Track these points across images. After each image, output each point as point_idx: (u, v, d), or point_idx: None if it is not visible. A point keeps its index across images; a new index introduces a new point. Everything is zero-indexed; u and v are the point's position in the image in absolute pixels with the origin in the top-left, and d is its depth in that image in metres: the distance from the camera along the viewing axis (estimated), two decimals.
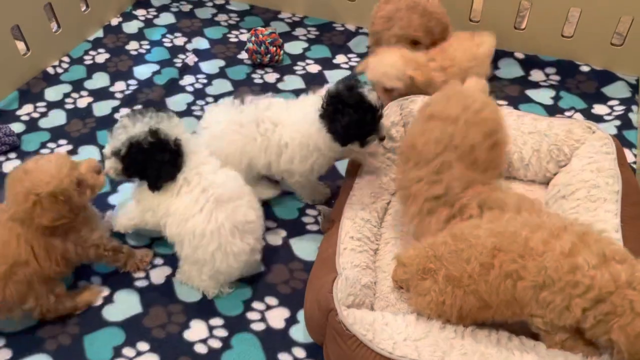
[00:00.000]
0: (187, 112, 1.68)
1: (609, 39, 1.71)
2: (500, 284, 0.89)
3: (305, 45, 1.92)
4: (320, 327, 1.01)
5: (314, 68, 1.83)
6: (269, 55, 1.80)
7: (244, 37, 1.97)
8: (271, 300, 1.21)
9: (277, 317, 1.18)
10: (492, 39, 1.59)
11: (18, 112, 1.68)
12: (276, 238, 1.33)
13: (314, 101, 1.22)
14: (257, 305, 1.20)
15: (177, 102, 1.72)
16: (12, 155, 1.55)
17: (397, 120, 1.35)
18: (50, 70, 1.82)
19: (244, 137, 1.25)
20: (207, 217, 1.10)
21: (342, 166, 1.47)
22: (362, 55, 1.87)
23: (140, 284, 1.24)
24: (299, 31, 1.99)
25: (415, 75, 1.43)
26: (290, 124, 1.23)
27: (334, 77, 1.79)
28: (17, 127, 1.62)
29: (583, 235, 0.88)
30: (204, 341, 1.14)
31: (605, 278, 0.83)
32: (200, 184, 1.12)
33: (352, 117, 1.15)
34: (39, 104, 1.71)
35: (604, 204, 1.12)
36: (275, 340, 1.14)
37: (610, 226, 1.07)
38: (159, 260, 1.29)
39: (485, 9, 1.79)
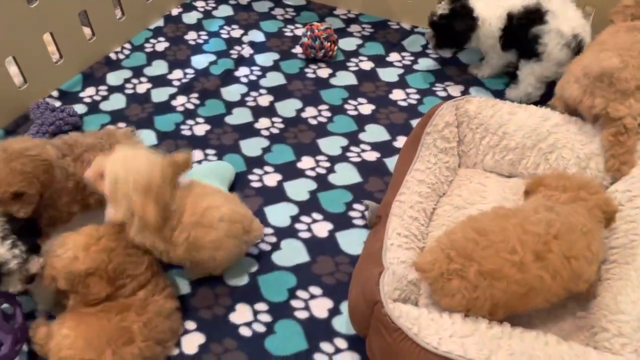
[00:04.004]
0: (240, 103, 1.72)
1: None
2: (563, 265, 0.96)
3: (359, 42, 1.93)
4: (365, 319, 1.02)
5: (367, 65, 1.84)
6: (323, 51, 1.82)
7: (299, 31, 1.99)
8: (315, 290, 1.22)
9: (321, 307, 1.19)
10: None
11: (81, 94, 1.75)
12: (322, 230, 1.35)
13: None
14: (301, 294, 1.22)
15: (231, 92, 1.76)
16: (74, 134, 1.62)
17: (451, 120, 1.34)
18: (113, 56, 1.90)
19: None
20: None
21: (392, 165, 1.47)
22: (416, 54, 1.87)
23: None
24: (354, 28, 2.00)
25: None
26: None
27: (386, 75, 1.79)
28: (79, 109, 1.69)
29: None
30: (248, 324, 1.17)
31: None
32: None
33: None
34: (100, 88, 1.78)
35: None
36: (318, 329, 1.15)
37: None
38: None
39: None
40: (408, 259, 1.13)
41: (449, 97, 1.69)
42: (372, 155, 1.53)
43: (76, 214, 1.20)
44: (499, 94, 1.69)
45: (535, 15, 1.52)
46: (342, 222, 1.36)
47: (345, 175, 1.48)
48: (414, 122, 1.61)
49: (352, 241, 1.32)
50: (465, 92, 1.71)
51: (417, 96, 1.71)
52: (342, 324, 1.16)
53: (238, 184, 1.46)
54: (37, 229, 1.10)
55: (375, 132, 1.60)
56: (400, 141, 1.56)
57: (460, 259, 0.97)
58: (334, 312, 1.18)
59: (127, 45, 1.94)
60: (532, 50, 1.54)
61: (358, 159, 1.52)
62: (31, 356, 1.12)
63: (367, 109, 1.68)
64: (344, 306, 1.19)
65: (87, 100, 1.74)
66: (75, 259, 1.05)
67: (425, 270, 1.00)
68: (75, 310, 1.08)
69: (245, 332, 1.16)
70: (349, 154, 1.54)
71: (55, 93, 1.74)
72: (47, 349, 1.06)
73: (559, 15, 1.50)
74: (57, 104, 1.69)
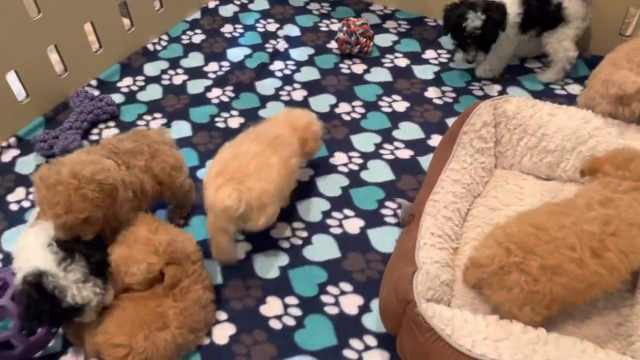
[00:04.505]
0: (274, 97, 1.72)
1: None
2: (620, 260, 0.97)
3: (395, 38, 1.92)
4: (397, 317, 1.01)
5: (402, 62, 1.82)
6: (358, 46, 1.81)
7: (334, 26, 1.99)
8: (346, 286, 1.22)
9: (351, 303, 1.19)
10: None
11: (119, 84, 1.78)
12: (354, 227, 1.35)
13: None
14: (331, 289, 1.22)
15: (265, 86, 1.77)
16: (112, 123, 1.65)
17: (489, 120, 1.32)
18: (150, 47, 1.92)
19: None
20: None
21: (426, 163, 1.46)
22: (452, 52, 1.84)
23: None
24: (390, 24, 1.98)
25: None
26: None
27: (422, 72, 1.78)
28: (117, 98, 1.72)
29: None
30: (278, 317, 1.17)
31: None
32: None
33: None
34: (138, 78, 1.81)
35: None
36: (347, 326, 1.15)
37: None
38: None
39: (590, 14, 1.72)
40: (441, 259, 1.12)
41: (486, 97, 1.67)
42: (405, 153, 1.52)
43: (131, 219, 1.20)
44: (538, 95, 1.66)
45: None
46: (373, 219, 1.36)
47: (378, 172, 1.47)
48: (449, 121, 1.59)
49: (383, 239, 1.31)
50: (502, 92, 1.69)
51: (452, 94, 1.69)
52: (372, 321, 1.16)
53: None
54: (106, 260, 1.11)
55: (409, 130, 1.58)
56: (435, 140, 1.54)
57: (520, 252, 0.98)
58: (364, 309, 1.18)
59: (165, 37, 1.96)
60: (558, 18, 1.60)
61: (391, 157, 1.51)
62: (65, 340, 1.14)
63: (401, 106, 1.66)
64: (374, 304, 1.18)
65: (125, 90, 1.76)
66: (152, 265, 1.08)
67: (483, 265, 1.01)
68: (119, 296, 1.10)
69: (275, 324, 1.16)
70: (382, 151, 1.53)
71: (94, 82, 1.77)
72: (82, 335, 1.09)
73: None
74: (96, 92, 1.72)
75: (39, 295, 1.01)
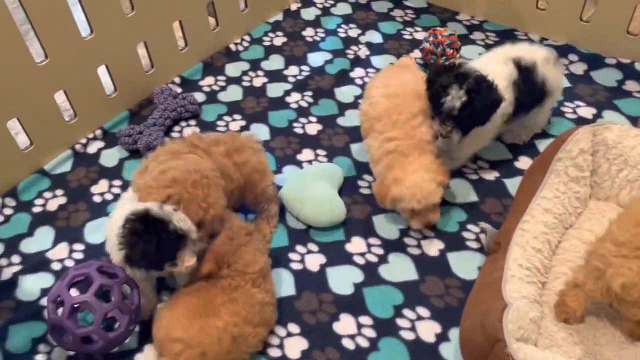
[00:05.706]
0: (353, 105, 1.69)
1: None
2: None
3: (483, 51, 1.84)
4: (481, 353, 0.96)
5: None
6: (444, 58, 1.75)
7: (418, 35, 1.93)
8: (423, 312, 1.18)
9: (428, 331, 1.15)
10: None
11: (201, 83, 1.80)
12: (433, 249, 1.30)
13: None
14: (408, 313, 1.18)
15: (345, 93, 1.74)
16: (193, 122, 1.66)
17: (586, 147, 1.24)
18: (233, 47, 1.93)
19: None
20: None
21: (513, 187, 1.39)
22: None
23: (296, 266, 1.28)
24: (477, 35, 1.91)
25: None
26: None
27: None
28: (198, 97, 1.73)
29: None
30: (352, 337, 1.14)
31: None
32: None
33: None
34: (219, 78, 1.82)
35: None
36: (424, 353, 1.11)
37: None
38: (314, 247, 1.32)
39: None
40: (529, 294, 1.06)
41: (579, 120, 1.57)
42: (490, 175, 1.45)
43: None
44: (637, 122, 1.55)
45: (528, 67, 1.38)
46: (454, 242, 1.31)
47: (461, 192, 1.42)
48: (539, 143, 1.51)
49: (464, 264, 1.26)
50: (598, 116, 1.59)
51: None
52: (450, 351, 1.11)
53: (347, 189, 1.44)
54: None
55: (495, 150, 1.51)
56: (523, 162, 1.47)
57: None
58: (442, 337, 1.13)
59: (247, 38, 1.97)
60: (545, 93, 1.42)
61: (475, 177, 1.45)
62: (142, 337, 1.16)
63: None
64: (453, 333, 1.13)
65: (206, 89, 1.78)
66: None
67: (637, 284, 0.93)
68: (179, 291, 1.14)
69: (348, 344, 1.13)
70: (465, 170, 1.47)
71: (177, 79, 1.79)
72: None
73: (524, 50, 1.44)
74: (179, 90, 1.75)
75: (144, 228, 1.03)
